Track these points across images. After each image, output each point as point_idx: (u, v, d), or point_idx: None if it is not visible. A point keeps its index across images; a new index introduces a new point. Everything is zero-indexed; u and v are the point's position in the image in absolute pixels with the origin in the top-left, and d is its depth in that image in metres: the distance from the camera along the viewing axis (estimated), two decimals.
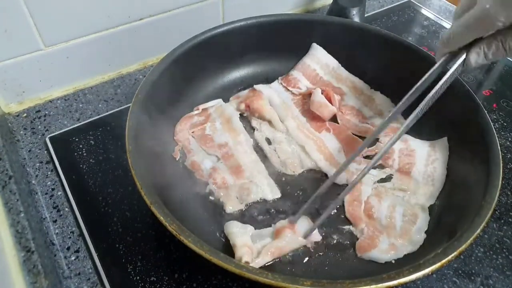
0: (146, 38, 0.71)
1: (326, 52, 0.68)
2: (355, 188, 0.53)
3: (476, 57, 0.44)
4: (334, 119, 0.63)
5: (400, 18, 0.88)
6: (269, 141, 0.60)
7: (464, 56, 0.46)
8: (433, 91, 0.47)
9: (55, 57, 0.65)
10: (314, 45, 0.69)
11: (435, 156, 0.56)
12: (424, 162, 0.56)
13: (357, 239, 0.49)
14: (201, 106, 0.62)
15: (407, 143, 0.59)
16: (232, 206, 0.52)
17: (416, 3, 0.92)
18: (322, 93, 0.63)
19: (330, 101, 0.63)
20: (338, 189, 0.54)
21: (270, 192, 0.53)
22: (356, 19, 0.77)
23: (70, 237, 0.51)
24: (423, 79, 0.50)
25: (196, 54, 0.60)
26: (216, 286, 0.47)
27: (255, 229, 0.49)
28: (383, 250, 0.47)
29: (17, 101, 0.67)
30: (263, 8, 0.79)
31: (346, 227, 0.51)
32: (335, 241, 0.49)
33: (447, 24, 0.86)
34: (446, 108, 0.57)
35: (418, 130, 0.60)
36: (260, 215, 0.51)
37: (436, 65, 0.49)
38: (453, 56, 0.47)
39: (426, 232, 0.49)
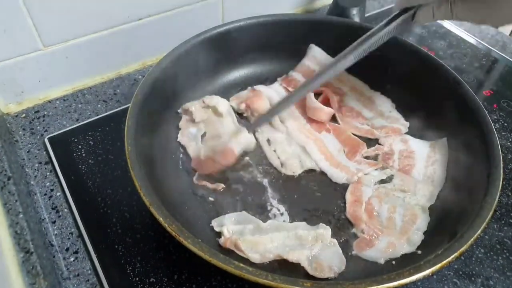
0: (146, 38, 0.71)
1: (325, 53, 0.68)
2: (356, 189, 0.54)
3: (425, 15, 0.48)
4: (335, 119, 0.63)
5: None
6: (269, 142, 0.60)
7: (413, 11, 0.49)
8: (381, 33, 0.51)
9: (54, 57, 0.64)
10: (312, 46, 0.68)
11: (435, 157, 0.56)
12: (424, 163, 0.56)
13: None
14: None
15: (407, 144, 0.58)
16: None
17: None
18: (320, 96, 0.63)
19: (328, 102, 0.63)
20: (338, 188, 0.54)
21: None
22: (356, 19, 0.77)
23: (69, 238, 0.51)
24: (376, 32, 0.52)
25: (196, 54, 0.60)
26: (216, 287, 0.47)
27: None
28: (381, 250, 0.47)
29: (16, 101, 0.66)
30: (263, 8, 0.79)
31: (347, 228, 0.50)
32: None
33: (447, 25, 0.86)
34: (446, 108, 0.57)
35: (418, 131, 0.60)
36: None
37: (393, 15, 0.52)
38: (406, 10, 0.50)
39: (426, 233, 0.49)
